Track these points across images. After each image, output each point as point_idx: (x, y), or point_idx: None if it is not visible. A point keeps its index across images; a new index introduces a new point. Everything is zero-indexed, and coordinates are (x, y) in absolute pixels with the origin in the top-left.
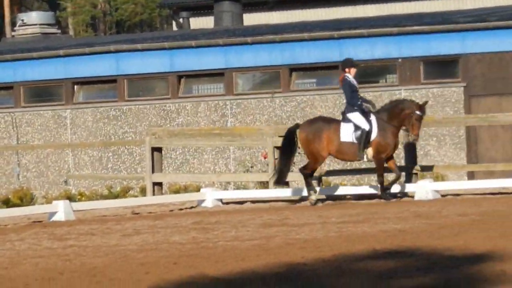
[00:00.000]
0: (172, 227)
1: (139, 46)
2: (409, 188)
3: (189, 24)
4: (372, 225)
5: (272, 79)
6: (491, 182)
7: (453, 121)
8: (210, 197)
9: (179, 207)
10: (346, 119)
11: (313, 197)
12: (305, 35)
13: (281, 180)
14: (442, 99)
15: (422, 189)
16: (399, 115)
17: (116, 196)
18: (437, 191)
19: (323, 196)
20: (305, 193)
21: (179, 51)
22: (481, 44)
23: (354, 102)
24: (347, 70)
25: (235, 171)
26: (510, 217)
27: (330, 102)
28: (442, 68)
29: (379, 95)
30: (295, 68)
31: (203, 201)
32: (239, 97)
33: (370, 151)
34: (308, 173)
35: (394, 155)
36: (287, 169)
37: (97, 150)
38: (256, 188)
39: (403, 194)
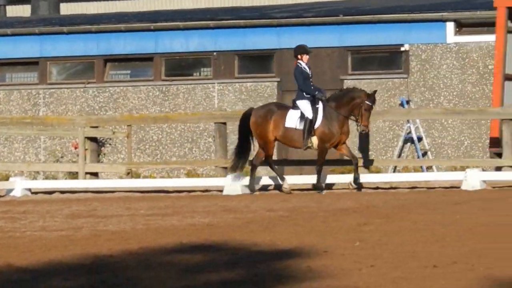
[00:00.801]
0: None
1: None
2: (219, 182)
3: (5, 12)
4: (181, 218)
5: (86, 69)
6: (300, 178)
7: None
8: (19, 186)
9: None
10: (295, 106)
11: (286, 187)
12: (122, 26)
13: (236, 168)
14: (256, 94)
15: (234, 183)
16: (348, 104)
17: None
18: (246, 186)
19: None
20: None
21: None
22: (297, 39)
23: (306, 89)
24: (299, 57)
25: (46, 161)
26: (318, 213)
27: (143, 94)
28: (257, 62)
29: (192, 88)
30: (109, 59)
31: (11, 190)
32: (53, 86)
33: (315, 140)
34: (270, 162)
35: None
36: (245, 156)
37: None
38: (66, 179)
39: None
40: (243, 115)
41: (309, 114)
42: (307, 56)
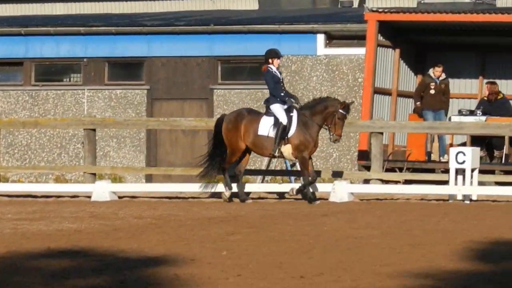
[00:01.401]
0: None
1: None
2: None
3: None
4: (48, 223)
5: None
6: (168, 186)
7: (134, 123)
8: None
9: None
10: (269, 112)
11: (227, 193)
12: None
13: (207, 175)
14: (125, 101)
15: (99, 189)
16: (322, 113)
17: None
18: (114, 193)
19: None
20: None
21: None
22: (167, 48)
23: (277, 93)
24: (270, 61)
25: None
26: (185, 222)
27: (12, 98)
28: (127, 70)
29: (62, 93)
30: None
31: None
32: None
33: (288, 148)
34: (224, 166)
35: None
36: (216, 163)
37: None
38: None
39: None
40: (216, 121)
41: (283, 120)
42: (278, 60)
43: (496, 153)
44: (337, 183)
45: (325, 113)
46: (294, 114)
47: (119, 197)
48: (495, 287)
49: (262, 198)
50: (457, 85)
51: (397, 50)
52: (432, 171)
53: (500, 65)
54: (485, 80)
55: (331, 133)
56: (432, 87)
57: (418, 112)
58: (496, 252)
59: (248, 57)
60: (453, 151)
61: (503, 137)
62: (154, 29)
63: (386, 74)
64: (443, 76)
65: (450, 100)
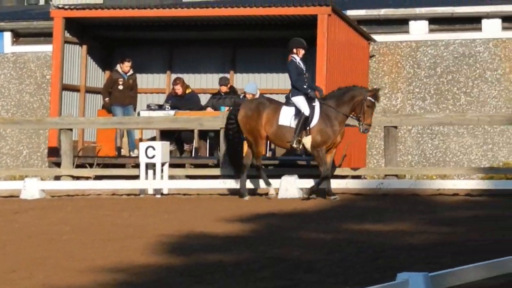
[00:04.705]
0: None
1: None
2: None
3: None
4: None
5: None
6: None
7: None
8: None
9: None
10: (289, 103)
11: (272, 191)
12: None
13: (239, 172)
14: None
15: None
16: (349, 102)
17: None
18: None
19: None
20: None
21: None
22: None
23: (299, 85)
24: (295, 51)
25: None
26: None
27: None
28: None
29: None
30: None
31: None
32: None
33: (309, 140)
34: (258, 164)
35: None
36: (238, 157)
37: None
38: None
39: None
40: (229, 112)
41: (306, 111)
42: (303, 51)
43: (186, 147)
44: (27, 180)
45: (353, 103)
46: (317, 105)
47: None
48: (187, 279)
49: None
50: (145, 80)
51: (85, 47)
52: (122, 166)
53: (187, 59)
54: (173, 75)
55: (360, 123)
56: (121, 82)
57: (107, 108)
58: (187, 245)
59: None
60: (142, 145)
61: (192, 131)
62: None
63: (74, 71)
64: (131, 71)
65: (139, 95)
